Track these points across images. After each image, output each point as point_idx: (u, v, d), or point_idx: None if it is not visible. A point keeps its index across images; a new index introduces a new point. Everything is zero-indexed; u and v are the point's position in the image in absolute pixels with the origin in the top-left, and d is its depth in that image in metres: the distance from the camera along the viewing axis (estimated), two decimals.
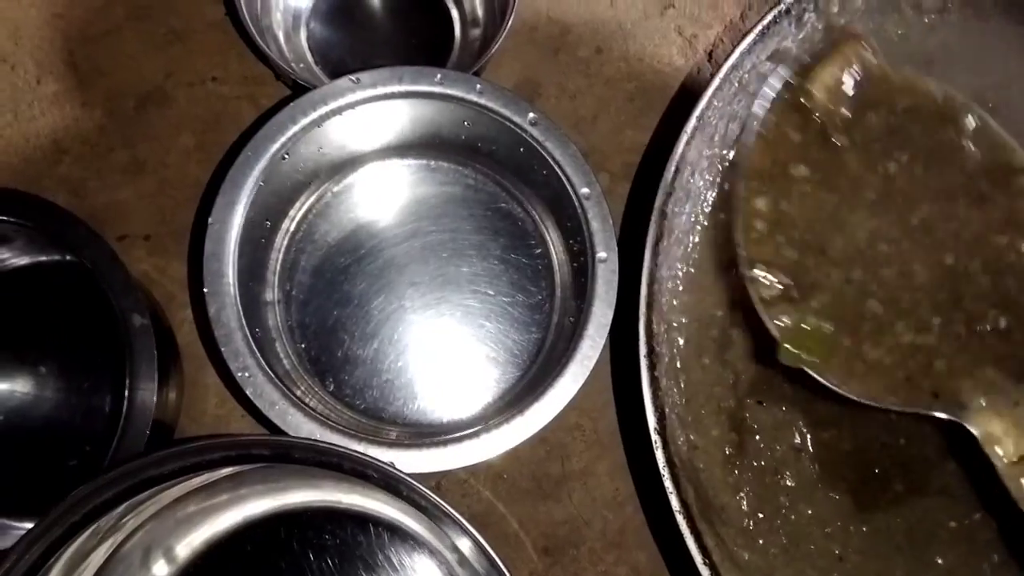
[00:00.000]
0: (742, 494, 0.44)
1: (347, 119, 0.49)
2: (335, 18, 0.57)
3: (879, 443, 0.44)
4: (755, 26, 0.43)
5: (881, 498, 0.44)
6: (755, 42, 0.43)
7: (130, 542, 0.44)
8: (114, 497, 0.39)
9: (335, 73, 0.55)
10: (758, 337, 0.46)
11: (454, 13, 0.57)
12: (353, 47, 0.57)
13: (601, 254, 0.47)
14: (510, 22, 0.51)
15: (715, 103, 0.43)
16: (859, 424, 0.45)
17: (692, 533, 0.40)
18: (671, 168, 0.43)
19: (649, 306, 0.42)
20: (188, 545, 0.47)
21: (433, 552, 0.47)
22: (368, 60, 0.56)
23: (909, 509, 0.44)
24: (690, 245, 0.46)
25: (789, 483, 0.44)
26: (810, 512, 0.44)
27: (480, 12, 0.57)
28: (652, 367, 0.41)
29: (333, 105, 0.48)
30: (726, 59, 0.43)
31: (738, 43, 0.43)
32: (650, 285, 0.42)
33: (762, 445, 0.45)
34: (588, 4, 0.59)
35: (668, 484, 0.40)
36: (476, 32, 0.57)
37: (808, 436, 0.45)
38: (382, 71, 0.48)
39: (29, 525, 0.48)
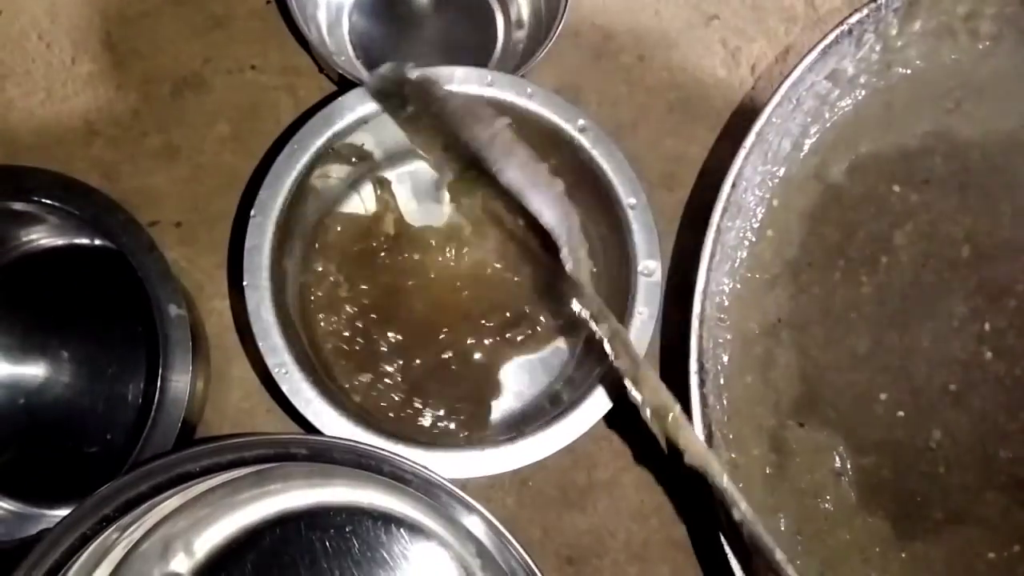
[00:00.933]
0: (781, 515, 0.43)
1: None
2: (377, 12, 0.56)
3: (919, 471, 0.44)
4: (817, 44, 0.43)
5: (920, 526, 0.44)
6: (816, 61, 0.43)
7: (151, 537, 0.44)
8: (148, 491, 0.39)
9: (374, 68, 0.54)
10: (802, 358, 0.46)
11: (498, 14, 0.57)
12: (394, 43, 0.56)
13: (645, 266, 0.46)
14: (560, 27, 0.51)
15: (774, 120, 0.43)
16: (900, 451, 0.45)
17: (735, 554, 0.39)
18: (728, 183, 0.42)
19: (701, 322, 0.41)
20: (208, 540, 0.46)
21: (455, 554, 0.46)
22: (408, 57, 0.55)
23: (948, 538, 0.44)
24: (737, 261, 0.45)
25: (828, 507, 0.44)
26: (848, 537, 0.43)
27: (525, 14, 0.56)
28: (702, 384, 0.41)
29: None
30: (787, 75, 0.43)
31: (800, 60, 0.43)
32: (703, 301, 0.42)
33: (802, 467, 0.44)
34: (632, 12, 0.58)
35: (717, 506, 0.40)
36: (520, 34, 0.56)
37: (848, 461, 0.45)
38: (433, 70, 0.47)
39: (45, 511, 0.48)
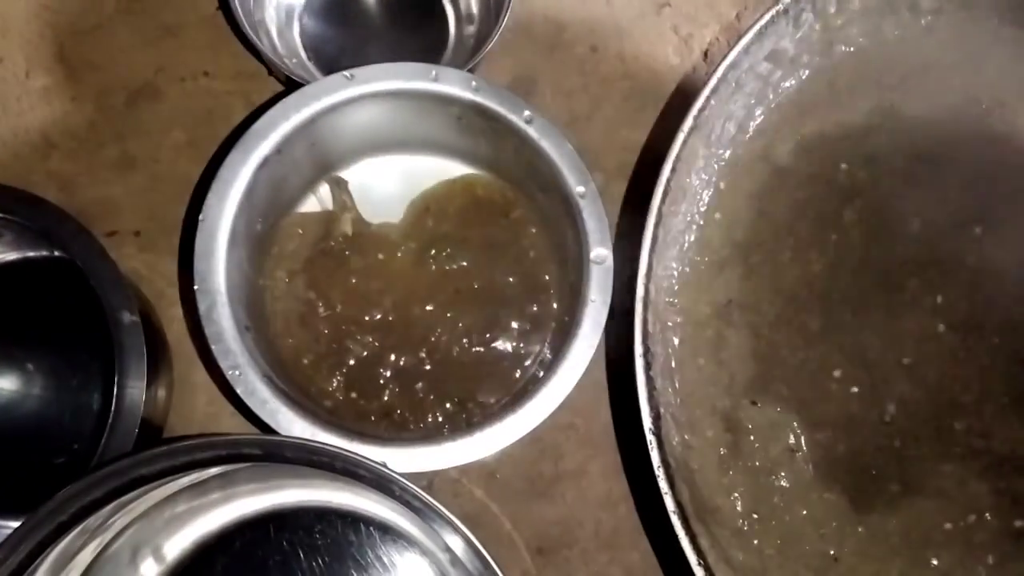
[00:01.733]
0: (736, 495, 0.43)
1: (341, 115, 0.48)
2: (328, 14, 0.57)
3: (874, 445, 0.44)
4: (752, 26, 0.43)
5: (877, 499, 0.44)
6: (752, 42, 0.43)
7: (118, 541, 0.44)
8: (103, 496, 0.39)
9: (328, 69, 0.55)
10: (754, 338, 0.46)
11: (449, 10, 0.57)
12: (346, 43, 0.56)
13: (596, 253, 0.46)
14: (505, 19, 0.51)
15: (712, 102, 0.43)
16: (854, 426, 0.45)
17: (687, 534, 0.39)
18: (668, 167, 0.42)
19: (645, 306, 0.42)
20: (177, 544, 0.47)
21: (425, 552, 0.47)
22: (362, 56, 0.55)
23: (905, 510, 0.44)
24: (685, 244, 0.45)
25: (784, 484, 0.44)
26: (804, 513, 0.43)
27: (475, 9, 0.57)
28: (648, 367, 0.41)
29: (327, 101, 0.47)
30: (723, 59, 0.43)
31: (735, 43, 0.43)
32: (647, 285, 0.42)
33: (757, 445, 0.44)
34: (584, 2, 0.59)
35: (663, 485, 0.40)
36: (471, 29, 0.56)
37: (803, 437, 0.45)
38: (377, 67, 0.47)
39: (14, 524, 0.48)
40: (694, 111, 0.42)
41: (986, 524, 0.43)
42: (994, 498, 0.44)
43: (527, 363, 0.50)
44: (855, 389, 0.45)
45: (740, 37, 0.43)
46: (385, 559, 0.47)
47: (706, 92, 0.42)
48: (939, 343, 0.46)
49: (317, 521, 0.47)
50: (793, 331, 0.46)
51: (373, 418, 0.49)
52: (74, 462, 0.48)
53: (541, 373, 0.49)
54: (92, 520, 0.40)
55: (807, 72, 0.48)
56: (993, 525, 0.43)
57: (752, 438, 0.45)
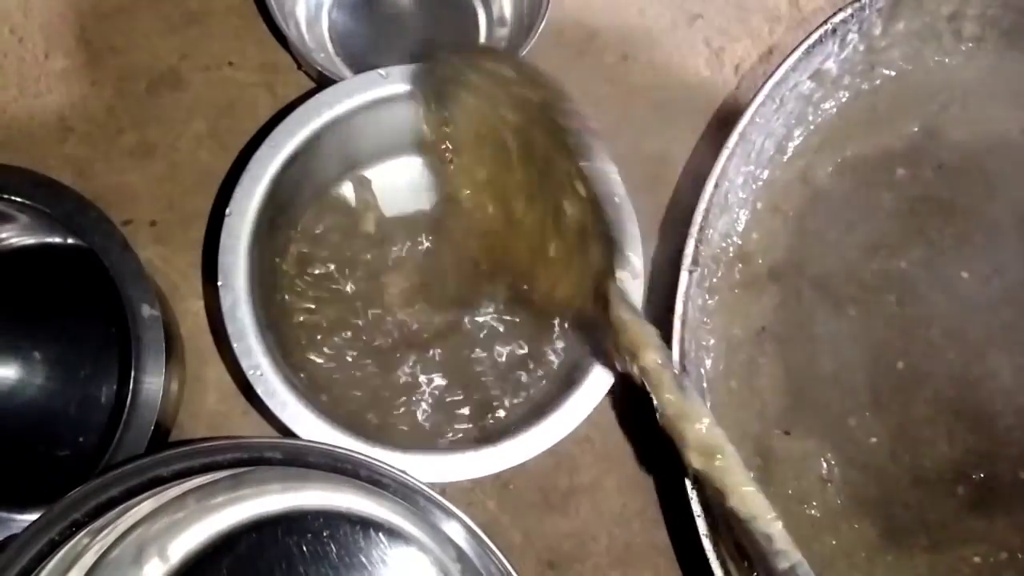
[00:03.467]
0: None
1: (372, 114, 0.47)
2: (357, 10, 0.56)
3: (902, 503, 0.44)
4: (800, 44, 0.43)
5: (907, 539, 0.44)
6: (799, 60, 0.43)
7: (123, 542, 0.43)
8: (120, 495, 0.38)
9: (355, 65, 0.54)
10: (787, 367, 0.45)
11: (480, 12, 0.56)
12: (374, 40, 0.55)
13: (628, 267, 0.45)
14: (542, 25, 0.50)
15: (757, 120, 0.43)
16: (885, 473, 0.44)
17: (718, 558, 0.39)
18: (711, 184, 0.42)
19: (684, 324, 0.41)
20: (182, 545, 0.46)
21: (435, 559, 0.46)
22: (389, 54, 0.54)
23: (934, 546, 0.44)
24: (721, 264, 0.45)
25: (815, 513, 0.43)
26: (834, 543, 0.43)
27: (507, 12, 0.56)
28: None
29: (360, 99, 0.46)
30: (771, 75, 0.42)
31: (783, 60, 0.42)
32: (685, 303, 0.41)
33: (788, 474, 0.44)
34: (616, 10, 0.58)
35: (696, 507, 0.39)
36: (503, 32, 0.56)
37: (836, 469, 0.44)
38: (413, 67, 0.47)
39: (15, 515, 0.47)
40: (740, 127, 0.42)
41: (1017, 562, 0.43)
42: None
43: (548, 371, 0.49)
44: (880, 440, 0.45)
45: (788, 54, 0.43)
46: (393, 564, 0.46)
47: (752, 109, 0.42)
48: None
49: (326, 525, 0.46)
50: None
51: (390, 421, 0.48)
52: (79, 455, 0.47)
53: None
54: (100, 521, 0.39)
55: (848, 94, 0.47)
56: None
57: (784, 466, 0.44)
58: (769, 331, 0.45)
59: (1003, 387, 0.45)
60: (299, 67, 0.54)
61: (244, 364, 0.43)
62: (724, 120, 0.43)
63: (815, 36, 0.43)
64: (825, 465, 0.44)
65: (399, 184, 0.51)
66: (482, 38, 0.56)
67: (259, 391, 0.43)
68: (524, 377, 0.49)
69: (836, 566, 0.43)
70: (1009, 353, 0.46)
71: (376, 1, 0.56)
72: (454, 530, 0.40)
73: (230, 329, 0.43)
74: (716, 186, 0.42)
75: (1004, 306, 0.46)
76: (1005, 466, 0.45)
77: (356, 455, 0.39)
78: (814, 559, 0.42)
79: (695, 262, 0.42)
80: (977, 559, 0.43)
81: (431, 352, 0.49)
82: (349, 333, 0.48)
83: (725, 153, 0.42)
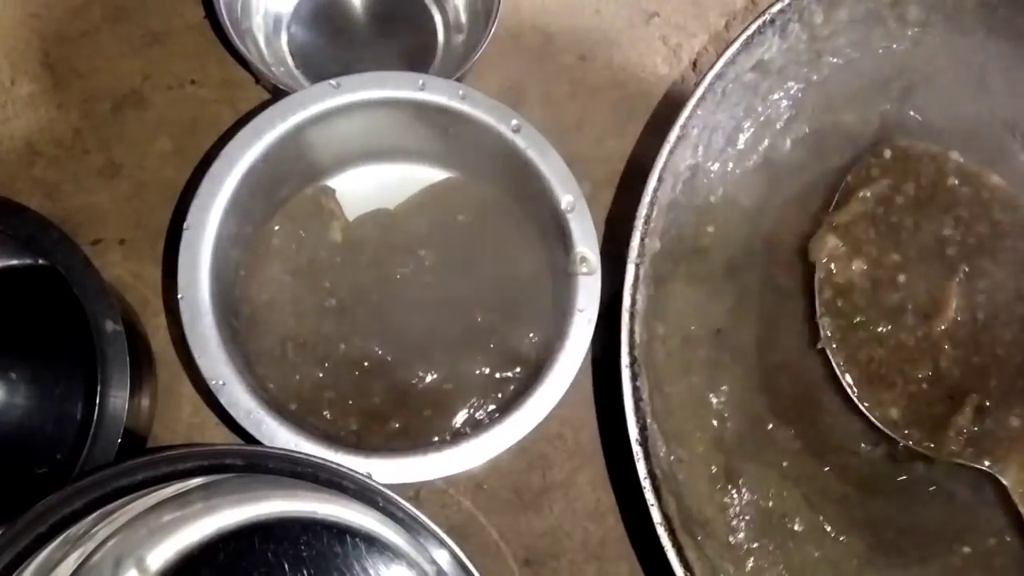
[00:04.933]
0: (734, 516, 0.43)
1: (327, 124, 0.48)
2: (316, 22, 0.56)
3: (894, 527, 0.45)
4: (739, 36, 0.43)
5: (895, 559, 0.44)
6: (739, 52, 0.43)
7: (100, 552, 0.43)
8: (84, 507, 0.38)
9: (316, 78, 0.55)
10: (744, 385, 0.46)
11: (437, 18, 0.57)
12: (334, 52, 0.56)
13: (584, 264, 0.46)
14: (493, 28, 0.51)
15: (698, 113, 0.43)
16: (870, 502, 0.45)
17: (673, 546, 0.39)
18: (654, 178, 0.42)
19: (632, 316, 0.41)
20: (160, 555, 0.46)
21: (412, 564, 0.46)
22: (350, 65, 0.55)
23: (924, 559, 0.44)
24: (673, 257, 0.45)
25: (796, 528, 0.44)
26: (818, 554, 0.43)
27: (464, 18, 0.57)
28: (634, 377, 0.41)
29: (313, 110, 0.47)
30: (709, 69, 0.43)
31: (721, 53, 0.43)
32: (633, 295, 0.42)
33: (764, 488, 0.45)
34: (573, 12, 0.59)
35: (649, 496, 0.40)
36: (460, 38, 0.56)
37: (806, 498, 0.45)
38: (364, 76, 0.47)
39: None
40: (680, 121, 0.42)
41: (1005, 546, 0.43)
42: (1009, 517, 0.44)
43: (509, 373, 0.49)
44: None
45: (726, 47, 0.43)
46: (371, 571, 0.46)
47: (692, 103, 0.42)
48: None
49: (302, 532, 0.47)
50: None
51: (358, 426, 0.48)
52: (57, 472, 0.48)
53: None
54: (74, 530, 0.39)
55: (796, 85, 0.47)
56: (1013, 547, 0.43)
57: (754, 483, 0.45)
58: (724, 334, 0.46)
59: None
60: (257, 82, 0.55)
61: (207, 376, 0.43)
62: (672, 115, 0.44)
63: (753, 27, 0.43)
64: (798, 490, 0.45)
65: (362, 191, 0.52)
66: (440, 45, 0.56)
67: (222, 401, 0.43)
68: (498, 374, 0.49)
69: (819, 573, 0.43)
70: None
71: (334, 13, 0.56)
72: (420, 533, 0.40)
73: (191, 342, 0.44)
74: (660, 180, 0.42)
75: None
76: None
77: (315, 459, 0.39)
78: (795, 564, 0.42)
79: (641, 255, 0.42)
80: (967, 549, 0.43)
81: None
82: (318, 342, 0.49)
83: (666, 147, 0.42)
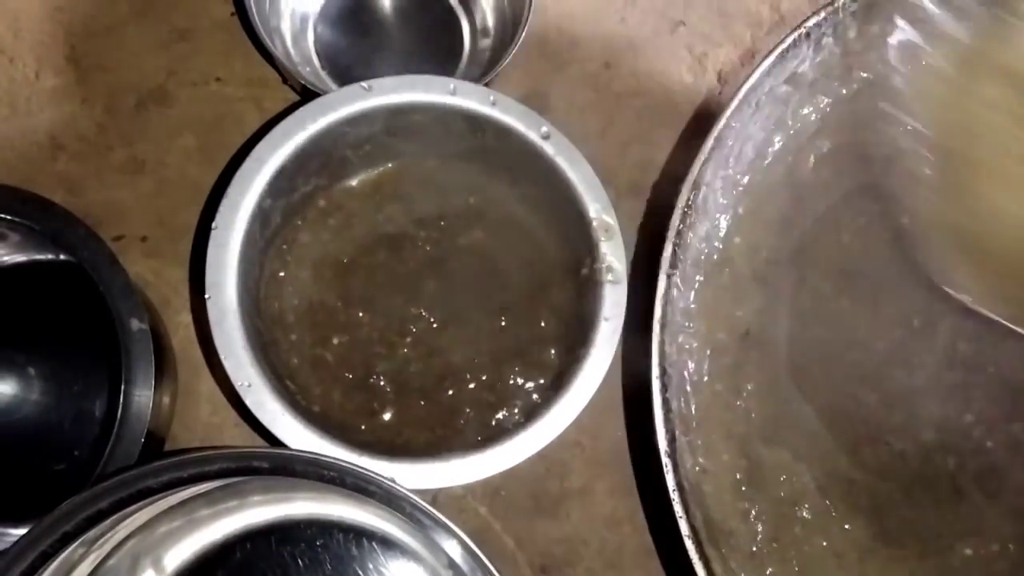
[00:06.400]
0: (753, 519, 0.43)
1: (357, 126, 0.48)
2: (343, 23, 0.56)
3: (897, 516, 0.44)
4: (775, 48, 0.43)
5: (896, 545, 0.44)
6: (774, 64, 0.43)
7: (119, 552, 0.43)
8: (109, 507, 0.38)
9: (341, 78, 0.55)
10: (771, 373, 0.45)
11: (464, 22, 0.57)
12: (360, 53, 0.56)
13: (611, 272, 0.46)
14: (523, 34, 0.51)
15: (732, 124, 0.43)
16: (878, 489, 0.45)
17: (701, 559, 0.39)
18: (687, 188, 0.42)
19: (663, 327, 0.41)
20: (177, 556, 0.46)
21: (429, 568, 0.46)
22: (375, 66, 0.55)
23: (924, 544, 0.44)
24: (703, 267, 0.45)
25: (806, 515, 0.44)
26: (825, 544, 0.43)
27: (491, 22, 0.56)
28: (664, 389, 0.41)
29: (344, 112, 0.47)
30: (745, 80, 0.43)
31: (758, 65, 0.43)
32: (664, 306, 0.42)
33: (777, 478, 0.44)
34: (598, 19, 0.58)
35: (678, 508, 0.40)
36: (486, 42, 0.56)
37: (821, 479, 0.45)
38: (395, 79, 0.47)
39: (12, 530, 0.47)
40: (715, 132, 0.42)
41: (1008, 553, 0.43)
42: (1016, 527, 0.44)
43: (533, 383, 0.49)
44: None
45: (762, 59, 0.43)
46: (387, 573, 0.46)
47: (727, 113, 0.42)
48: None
49: (320, 534, 0.47)
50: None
51: (383, 430, 0.48)
52: (74, 469, 0.48)
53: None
54: (94, 531, 0.39)
55: (827, 99, 0.47)
56: (1015, 555, 0.43)
57: (773, 471, 0.44)
58: (753, 335, 0.46)
59: None
60: (285, 81, 0.54)
61: (233, 377, 0.43)
62: (704, 125, 0.44)
63: (789, 40, 0.43)
64: (810, 476, 0.44)
65: (388, 193, 0.52)
66: (466, 49, 0.56)
67: (248, 403, 0.43)
68: (521, 382, 0.49)
69: (826, 567, 0.43)
70: None
71: (361, 14, 0.56)
72: (443, 538, 0.40)
73: (218, 343, 0.43)
74: (694, 190, 0.42)
75: None
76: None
77: (342, 463, 0.39)
78: (804, 560, 0.42)
79: (673, 265, 0.42)
80: (968, 551, 0.43)
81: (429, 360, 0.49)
82: (342, 344, 0.49)
83: (701, 158, 0.42)
